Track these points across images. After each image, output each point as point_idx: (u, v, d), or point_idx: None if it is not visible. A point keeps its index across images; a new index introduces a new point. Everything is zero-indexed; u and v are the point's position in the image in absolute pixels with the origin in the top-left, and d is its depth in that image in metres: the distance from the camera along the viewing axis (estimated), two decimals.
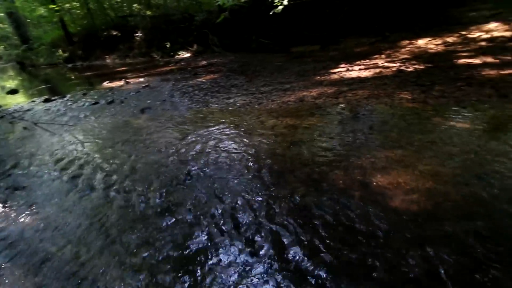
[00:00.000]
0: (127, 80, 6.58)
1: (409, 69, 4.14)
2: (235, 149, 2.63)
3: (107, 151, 2.93)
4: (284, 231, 1.63)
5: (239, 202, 1.92)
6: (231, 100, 4.06)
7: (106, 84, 6.58)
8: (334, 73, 4.61)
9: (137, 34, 11.59)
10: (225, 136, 2.91)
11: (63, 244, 1.75)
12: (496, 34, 4.94)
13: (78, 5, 13.73)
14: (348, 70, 4.60)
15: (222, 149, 2.66)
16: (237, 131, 3.00)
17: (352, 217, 1.68)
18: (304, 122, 3.00)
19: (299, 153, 2.42)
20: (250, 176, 2.19)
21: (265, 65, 6.14)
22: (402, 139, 2.44)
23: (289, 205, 1.84)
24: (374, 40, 6.08)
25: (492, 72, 3.55)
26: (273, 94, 4.07)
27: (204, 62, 7.66)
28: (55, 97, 5.62)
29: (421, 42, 5.36)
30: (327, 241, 1.53)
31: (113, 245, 1.69)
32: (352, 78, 4.20)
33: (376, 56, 5.11)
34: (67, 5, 13.63)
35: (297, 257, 1.46)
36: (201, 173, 2.31)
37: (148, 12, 12.38)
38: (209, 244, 1.62)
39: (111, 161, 2.69)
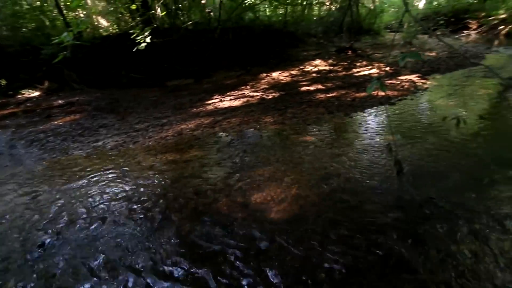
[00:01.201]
0: None
1: (269, 97, 4.96)
2: (106, 200, 2.31)
3: None
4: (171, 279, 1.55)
5: (112, 264, 1.68)
6: (100, 143, 3.58)
7: None
8: (209, 104, 4.92)
9: None
10: (92, 187, 2.51)
11: None
12: (320, 68, 6.72)
13: None
14: (221, 100, 5.02)
15: (87, 204, 2.27)
16: (108, 178, 2.65)
17: (237, 239, 1.79)
18: (185, 156, 3.01)
19: (182, 189, 2.40)
20: (125, 228, 1.97)
21: (139, 100, 5.82)
22: (270, 157, 2.86)
23: (175, 247, 1.77)
24: (240, 73, 6.97)
25: (322, 96, 4.76)
26: (150, 130, 3.89)
27: (60, 101, 6.43)
28: None
29: (275, 74, 6.58)
30: (217, 269, 1.56)
31: None
32: (225, 108, 4.61)
33: (243, 87, 5.84)
34: None
35: None
36: (59, 241, 1.87)
37: None
38: None
39: None
